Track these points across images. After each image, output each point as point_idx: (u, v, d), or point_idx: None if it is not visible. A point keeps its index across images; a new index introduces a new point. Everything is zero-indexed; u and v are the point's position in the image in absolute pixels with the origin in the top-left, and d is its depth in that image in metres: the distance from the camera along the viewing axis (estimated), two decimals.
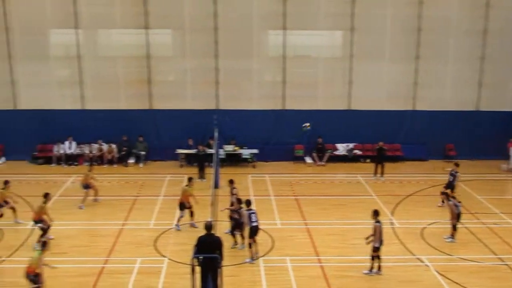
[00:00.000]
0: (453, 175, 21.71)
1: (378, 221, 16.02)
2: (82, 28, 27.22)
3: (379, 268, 16.06)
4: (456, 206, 18.18)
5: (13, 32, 27.01)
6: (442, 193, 20.19)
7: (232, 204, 18.03)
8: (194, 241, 13.88)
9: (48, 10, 26.94)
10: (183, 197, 19.28)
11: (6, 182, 20.07)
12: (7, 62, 27.27)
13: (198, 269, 13.45)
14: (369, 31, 27.71)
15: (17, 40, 27.16)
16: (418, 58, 27.94)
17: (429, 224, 19.82)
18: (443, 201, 20.78)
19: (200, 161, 25.51)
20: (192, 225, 19.17)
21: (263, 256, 17.19)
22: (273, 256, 17.30)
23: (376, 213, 16.15)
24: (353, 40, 27.70)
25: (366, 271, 16.04)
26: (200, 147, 25.76)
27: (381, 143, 25.83)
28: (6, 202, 19.71)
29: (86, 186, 21.60)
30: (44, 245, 14.78)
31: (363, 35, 27.69)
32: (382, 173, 25.38)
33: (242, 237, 17.60)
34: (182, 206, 19.16)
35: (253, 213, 16.83)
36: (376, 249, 15.94)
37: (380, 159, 25.64)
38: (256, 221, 16.74)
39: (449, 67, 28.26)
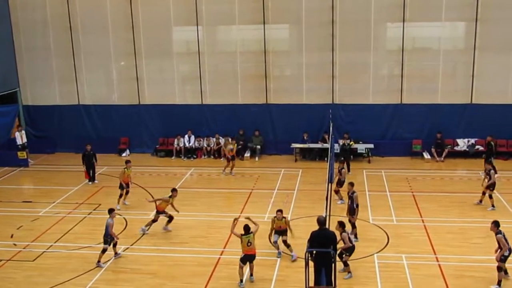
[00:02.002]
0: None
1: (499, 232, 14.94)
2: (203, 25, 28.13)
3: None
4: None
5: (138, 30, 28.46)
6: None
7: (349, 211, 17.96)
8: (308, 236, 13.94)
9: (172, 8, 28.09)
10: None
11: (127, 162, 21.54)
12: (132, 58, 28.79)
13: (312, 263, 13.53)
14: (495, 21, 26.25)
15: (142, 38, 28.59)
16: None
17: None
18: None
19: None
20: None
21: (378, 252, 16.96)
22: (388, 253, 17.00)
23: (496, 224, 15.09)
24: (477, 31, 26.43)
25: (494, 286, 14.94)
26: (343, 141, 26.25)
27: (489, 138, 24.74)
28: (127, 184, 21.20)
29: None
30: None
31: (487, 25, 26.30)
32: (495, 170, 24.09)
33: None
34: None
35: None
36: (503, 259, 14.82)
37: (488, 154, 24.39)
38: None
39: None
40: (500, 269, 14.89)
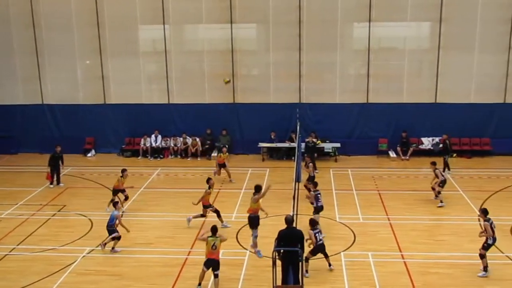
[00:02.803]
0: None
1: (487, 220, 15.40)
2: (169, 24, 27.92)
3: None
4: None
5: (104, 28, 28.10)
6: None
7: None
8: (275, 235, 13.94)
9: (138, 7, 27.80)
10: None
11: (123, 171, 21.05)
12: (98, 57, 28.42)
13: (279, 262, 13.52)
14: (459, 21, 26.71)
15: (107, 36, 28.24)
16: (511, 49, 26.67)
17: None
18: None
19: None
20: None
21: (344, 250, 17.06)
22: (355, 251, 17.11)
23: (483, 212, 15.64)
24: (441, 31, 26.82)
25: (481, 274, 15.35)
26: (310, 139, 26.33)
27: (445, 136, 25.24)
28: (123, 190, 20.73)
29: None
30: None
31: (452, 25, 26.74)
32: (448, 168, 24.65)
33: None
34: None
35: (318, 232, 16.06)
36: (486, 247, 15.33)
37: (444, 152, 24.92)
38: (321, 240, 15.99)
39: None
40: (482, 256, 15.35)
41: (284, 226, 14.07)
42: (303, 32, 27.29)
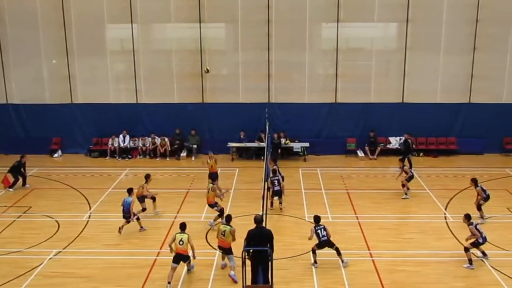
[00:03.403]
0: None
1: (471, 224, 16.10)
2: (137, 23, 27.67)
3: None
4: None
5: (71, 27, 27.67)
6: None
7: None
8: (245, 234, 13.93)
9: (105, 5, 27.47)
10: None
11: (147, 176, 20.37)
12: (64, 57, 27.98)
13: (249, 262, 13.51)
14: (425, 23, 27.11)
15: (74, 35, 27.81)
16: (475, 50, 27.17)
17: (481, 223, 19.25)
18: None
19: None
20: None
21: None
22: (324, 249, 17.17)
23: (467, 217, 16.30)
24: (408, 32, 27.17)
25: (466, 265, 15.93)
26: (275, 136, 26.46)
27: (406, 135, 25.64)
28: (145, 197, 19.98)
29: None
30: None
31: (418, 26, 27.11)
32: (410, 166, 25.03)
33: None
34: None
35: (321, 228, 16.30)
36: (475, 244, 16.02)
37: (407, 152, 25.29)
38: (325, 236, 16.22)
39: (508, 59, 27.33)
40: (466, 249, 15.94)
41: (254, 225, 14.07)
42: (272, 32, 27.34)
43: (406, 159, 24.54)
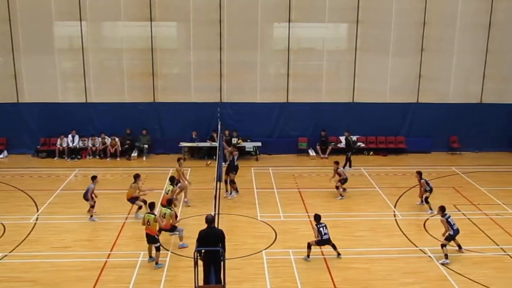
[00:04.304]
0: None
1: (443, 215, 16.68)
2: (87, 20, 27.15)
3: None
4: None
5: (16, 24, 26.91)
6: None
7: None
8: (197, 235, 13.84)
9: (53, 2, 26.82)
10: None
11: (137, 176, 19.93)
12: (10, 54, 27.19)
13: (201, 262, 13.44)
14: (374, 24, 27.63)
15: (20, 32, 27.04)
16: (423, 51, 27.81)
17: (432, 216, 19.76)
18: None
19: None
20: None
21: (266, 248, 17.19)
22: (276, 248, 17.29)
23: (441, 209, 16.84)
24: (358, 33, 27.58)
25: (442, 261, 16.29)
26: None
27: (346, 133, 26.18)
28: (136, 198, 19.61)
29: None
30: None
31: (368, 28, 27.60)
32: (349, 165, 25.60)
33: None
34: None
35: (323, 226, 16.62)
36: (448, 238, 16.50)
37: (347, 149, 25.87)
38: (326, 234, 16.55)
39: (453, 60, 28.12)
40: (442, 245, 16.36)
41: (205, 226, 13.99)
42: (224, 32, 27.29)
43: (346, 157, 25.02)
